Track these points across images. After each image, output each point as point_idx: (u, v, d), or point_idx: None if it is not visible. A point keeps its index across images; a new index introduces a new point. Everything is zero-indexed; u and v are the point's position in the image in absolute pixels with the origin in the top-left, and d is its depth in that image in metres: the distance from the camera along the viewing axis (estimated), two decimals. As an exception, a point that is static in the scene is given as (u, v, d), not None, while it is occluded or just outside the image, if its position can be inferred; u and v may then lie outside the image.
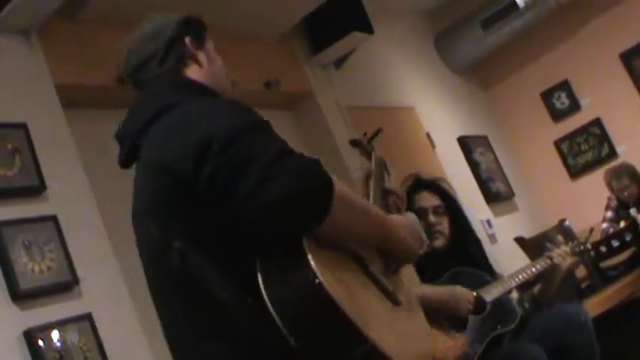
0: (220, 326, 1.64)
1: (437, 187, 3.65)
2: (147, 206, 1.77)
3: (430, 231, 3.49)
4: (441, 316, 3.19)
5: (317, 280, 1.50)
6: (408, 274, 2.03)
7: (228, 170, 1.55)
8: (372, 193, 2.27)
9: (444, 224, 3.54)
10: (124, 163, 1.91)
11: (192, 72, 1.95)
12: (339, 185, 1.61)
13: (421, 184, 3.64)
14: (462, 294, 3.23)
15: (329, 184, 1.58)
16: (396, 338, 1.69)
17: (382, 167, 2.47)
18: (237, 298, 1.60)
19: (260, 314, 1.53)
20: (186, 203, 1.65)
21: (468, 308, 3.20)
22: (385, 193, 2.35)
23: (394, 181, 3.77)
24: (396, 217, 1.92)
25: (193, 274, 1.64)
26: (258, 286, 1.54)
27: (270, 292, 1.54)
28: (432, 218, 3.51)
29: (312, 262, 1.52)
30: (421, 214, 3.50)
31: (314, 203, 1.56)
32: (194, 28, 2.03)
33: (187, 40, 1.98)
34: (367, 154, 2.59)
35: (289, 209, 1.53)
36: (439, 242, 3.51)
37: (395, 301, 1.78)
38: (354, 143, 2.67)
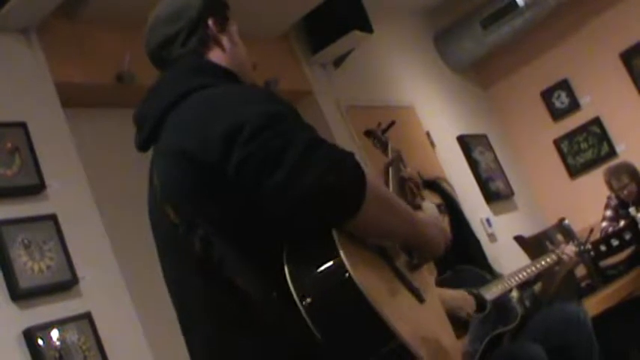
0: (243, 318, 1.59)
1: (437, 186, 3.66)
2: (167, 192, 1.70)
3: None
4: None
5: (347, 274, 1.47)
6: (429, 270, 2.01)
7: (259, 158, 1.50)
8: (391, 184, 2.24)
9: (444, 223, 3.55)
10: (142, 147, 1.85)
11: (215, 55, 1.90)
12: (373, 179, 1.58)
13: (423, 183, 3.65)
14: (466, 300, 3.22)
15: (362, 177, 1.54)
16: (423, 337, 1.65)
17: (398, 158, 2.45)
18: (261, 290, 1.56)
19: (284, 308, 1.50)
20: (211, 190, 1.60)
21: (468, 312, 3.20)
22: (402, 181, 2.33)
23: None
24: (424, 216, 1.87)
25: (216, 263, 1.60)
26: (284, 279, 1.50)
27: (298, 284, 1.49)
28: None
29: (342, 256, 1.49)
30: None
31: (347, 197, 1.52)
32: (218, 9, 1.98)
33: (211, 21, 1.92)
34: (382, 144, 2.56)
35: (322, 202, 1.49)
36: None
37: (420, 298, 1.75)
38: (369, 134, 2.64)
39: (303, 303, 1.48)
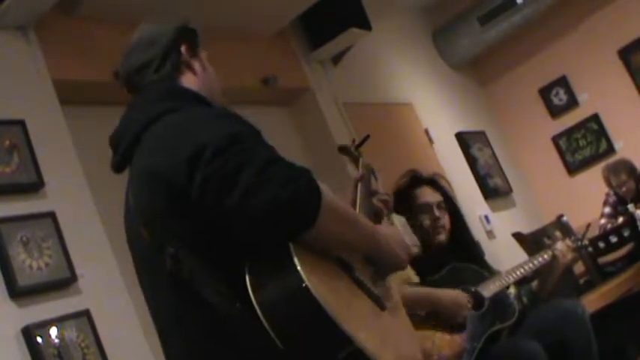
0: (210, 328, 1.68)
1: (436, 183, 3.67)
2: (140, 212, 1.80)
3: (435, 225, 3.52)
4: (440, 314, 3.20)
5: (303, 284, 1.55)
6: (396, 279, 2.07)
7: (218, 178, 1.59)
8: (359, 199, 2.31)
9: (445, 219, 3.57)
10: (117, 168, 1.95)
11: (187, 80, 2.00)
12: (328, 194, 1.66)
13: (421, 179, 3.65)
14: (462, 301, 3.23)
15: (317, 192, 1.63)
16: (382, 341, 1.72)
17: (370, 173, 2.50)
18: (226, 301, 1.63)
19: (248, 318, 1.57)
20: (179, 209, 1.69)
21: (464, 315, 3.20)
22: (372, 195, 2.39)
23: (391, 177, 3.78)
24: (384, 228, 1.98)
25: (185, 278, 1.68)
26: (247, 290, 1.59)
27: (259, 296, 1.58)
28: (437, 213, 3.53)
29: (299, 267, 1.57)
30: (426, 209, 3.53)
31: (301, 211, 1.60)
32: (189, 36, 2.07)
33: (183, 48, 2.02)
34: (355, 160, 2.61)
35: (276, 217, 1.58)
36: (442, 237, 3.53)
37: (381, 306, 1.82)
38: (342, 150, 2.70)
39: (264, 313, 1.56)
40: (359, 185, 2.37)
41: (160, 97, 1.90)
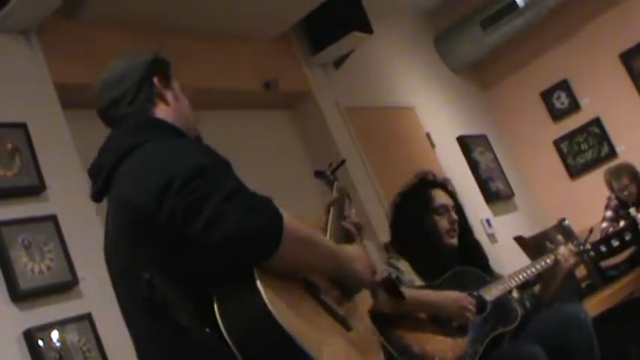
0: (183, 352, 1.74)
1: (446, 188, 3.67)
2: (117, 238, 1.87)
3: (452, 228, 3.52)
4: (442, 318, 3.19)
5: (266, 309, 1.60)
6: (365, 299, 2.11)
7: (185, 208, 1.66)
8: (330, 222, 2.34)
9: (457, 223, 3.57)
10: (96, 198, 2.01)
11: (161, 111, 2.04)
12: (291, 221, 1.72)
13: (435, 182, 3.66)
14: (463, 301, 3.22)
15: (278, 221, 1.69)
16: None
17: (344, 196, 2.52)
18: (196, 325, 1.69)
19: (217, 343, 1.63)
20: (152, 237, 1.75)
21: (466, 317, 3.20)
22: (343, 219, 2.42)
23: (392, 181, 3.78)
24: (349, 249, 2.02)
25: (159, 301, 1.73)
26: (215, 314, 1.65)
27: (225, 319, 1.64)
28: (453, 216, 3.54)
29: (262, 291, 1.62)
30: (443, 210, 3.53)
31: (262, 239, 1.67)
32: (161, 67, 2.11)
33: (155, 79, 2.07)
34: (330, 184, 2.63)
35: (238, 245, 1.64)
36: (455, 240, 3.53)
37: (347, 327, 1.87)
38: (318, 175, 2.72)
39: (230, 336, 1.62)
40: (331, 209, 2.40)
41: (133, 129, 1.96)
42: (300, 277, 1.80)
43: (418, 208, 3.53)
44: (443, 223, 3.51)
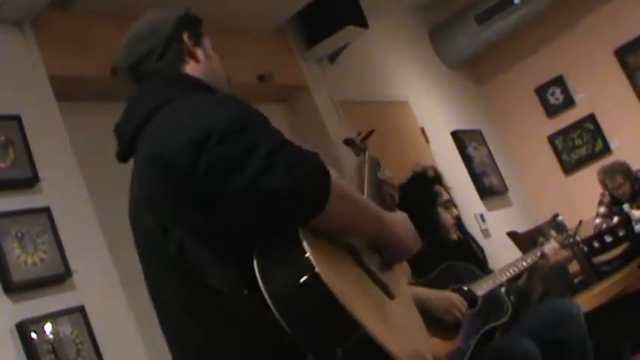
0: (217, 315, 1.65)
1: (444, 183, 3.69)
2: (144, 198, 1.77)
3: (456, 223, 3.54)
4: (433, 316, 3.19)
5: (314, 271, 1.51)
6: (403, 269, 2.05)
7: (225, 161, 1.56)
8: (366, 185, 2.28)
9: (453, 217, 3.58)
10: (122, 158, 1.92)
11: (190, 68, 1.96)
12: (338, 179, 1.63)
13: (438, 178, 3.68)
14: (454, 299, 3.22)
15: (326, 177, 1.60)
16: (390, 328, 1.70)
17: (375, 164, 2.50)
18: (233, 288, 1.61)
19: (255, 305, 1.54)
20: (184, 196, 1.65)
21: (455, 315, 3.19)
22: (380, 183, 2.37)
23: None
24: (393, 215, 1.92)
25: (190, 263, 1.65)
26: (255, 276, 1.55)
27: (267, 281, 1.54)
28: (455, 210, 3.55)
29: (308, 253, 1.53)
30: (448, 205, 3.56)
31: (311, 195, 1.57)
32: (192, 24, 2.04)
33: (185, 36, 1.99)
34: (360, 152, 2.62)
35: (286, 200, 1.54)
36: (456, 235, 3.55)
37: (389, 294, 1.78)
38: (348, 142, 2.70)
39: (272, 298, 1.53)
40: (365, 170, 2.34)
41: (162, 85, 1.88)
42: (342, 241, 1.71)
43: (426, 203, 3.53)
44: (448, 217, 3.53)
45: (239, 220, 1.60)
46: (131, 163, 1.89)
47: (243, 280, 1.58)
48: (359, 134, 2.76)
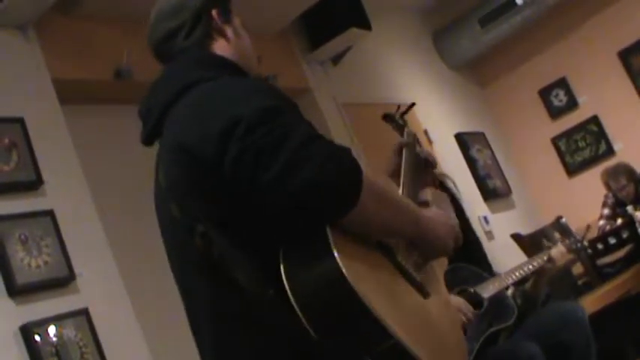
0: (241, 313, 1.60)
1: (441, 185, 3.67)
2: (169, 186, 1.70)
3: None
4: None
5: (341, 273, 1.45)
6: (441, 264, 1.98)
7: (255, 153, 1.49)
8: (404, 165, 2.20)
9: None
10: (146, 141, 1.84)
11: (219, 47, 1.87)
12: (371, 176, 1.56)
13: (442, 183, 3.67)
14: (461, 304, 3.22)
15: (358, 172, 1.52)
16: (422, 334, 1.62)
17: (414, 140, 2.42)
18: (258, 287, 1.55)
19: (280, 306, 1.49)
20: (209, 185, 1.58)
21: (461, 320, 3.18)
22: (419, 161, 2.30)
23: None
24: (431, 213, 1.83)
25: (216, 258, 1.59)
26: (281, 276, 1.49)
27: (293, 283, 1.48)
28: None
29: (336, 255, 1.47)
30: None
31: (343, 191, 1.50)
32: (222, 1, 1.95)
33: (214, 12, 1.90)
34: (399, 128, 2.55)
35: (317, 195, 1.47)
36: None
37: (424, 294, 1.72)
38: (386, 118, 2.62)
39: (298, 302, 1.47)
40: (404, 151, 2.26)
41: (191, 65, 1.79)
42: (374, 240, 1.63)
43: None
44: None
45: (268, 217, 1.52)
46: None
47: (269, 280, 1.52)
48: (398, 108, 2.69)
